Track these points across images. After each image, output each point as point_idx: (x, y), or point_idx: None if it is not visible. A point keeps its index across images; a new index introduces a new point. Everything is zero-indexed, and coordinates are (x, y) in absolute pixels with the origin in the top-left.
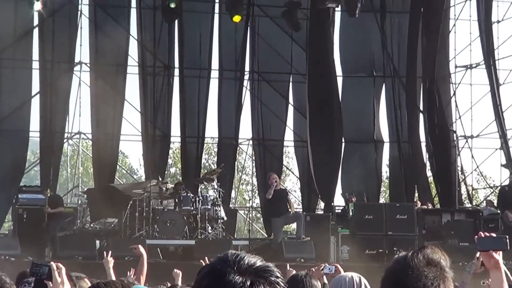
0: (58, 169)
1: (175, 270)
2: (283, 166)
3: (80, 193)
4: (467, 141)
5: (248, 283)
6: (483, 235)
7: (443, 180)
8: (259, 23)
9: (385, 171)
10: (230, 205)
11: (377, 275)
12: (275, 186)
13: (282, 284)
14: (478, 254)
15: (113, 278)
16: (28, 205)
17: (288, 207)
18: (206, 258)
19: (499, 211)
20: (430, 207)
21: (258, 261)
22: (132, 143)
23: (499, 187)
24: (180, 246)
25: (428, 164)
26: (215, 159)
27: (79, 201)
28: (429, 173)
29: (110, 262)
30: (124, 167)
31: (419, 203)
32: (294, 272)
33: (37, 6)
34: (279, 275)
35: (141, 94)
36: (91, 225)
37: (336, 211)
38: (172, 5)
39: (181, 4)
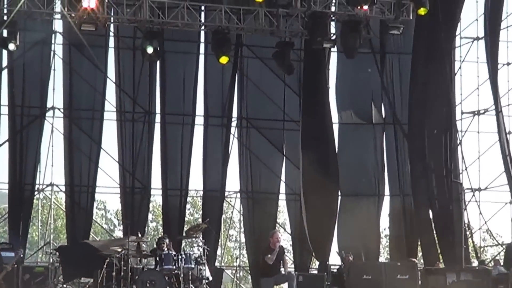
0: (28, 224)
1: None
2: (276, 222)
3: (51, 250)
4: (474, 195)
5: None
6: None
7: (448, 237)
8: (248, 65)
9: (384, 227)
10: (216, 264)
11: None
12: (278, 248)
13: None
14: None
15: None
16: None
17: (281, 265)
18: None
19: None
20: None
21: None
22: (109, 195)
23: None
24: None
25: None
26: (200, 213)
27: (51, 259)
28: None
29: None
30: (101, 221)
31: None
32: None
33: (12, 46)
34: None
35: (119, 142)
36: (64, 285)
37: (331, 270)
38: (149, 50)
39: (163, 44)
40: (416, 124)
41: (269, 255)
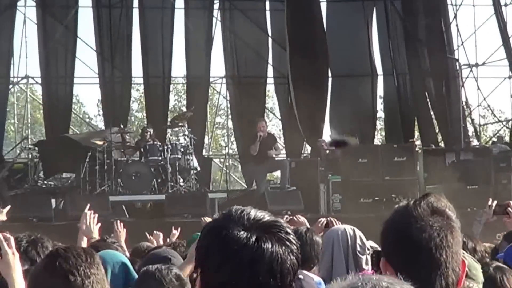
0: (4, 120)
1: (155, 232)
2: (265, 107)
3: (30, 146)
4: (471, 70)
5: (253, 238)
6: None
7: (446, 116)
8: None
9: (379, 108)
10: (204, 153)
11: (374, 226)
12: (260, 137)
13: (294, 242)
14: (490, 202)
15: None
16: None
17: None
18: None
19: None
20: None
21: (266, 216)
22: (88, 86)
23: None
24: (149, 202)
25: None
26: (185, 101)
27: (30, 155)
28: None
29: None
30: (80, 114)
31: (417, 143)
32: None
33: None
34: (289, 231)
35: (96, 30)
36: (45, 181)
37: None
38: None
39: None
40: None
41: (252, 146)
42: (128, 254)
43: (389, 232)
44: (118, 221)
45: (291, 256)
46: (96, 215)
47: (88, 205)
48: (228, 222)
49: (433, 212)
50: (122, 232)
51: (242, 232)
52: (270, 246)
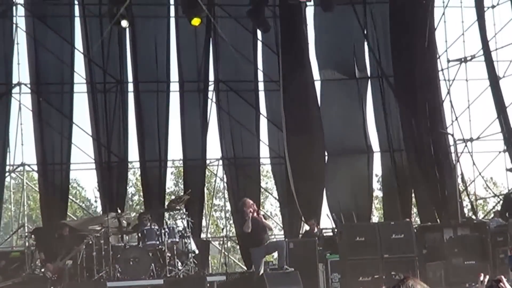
0: (1, 208)
1: None
2: (260, 187)
3: (27, 233)
4: (466, 145)
5: None
6: None
7: (442, 192)
8: (222, 26)
9: (376, 187)
10: (202, 236)
11: None
12: (251, 216)
13: None
14: (482, 277)
15: None
16: None
17: (269, 233)
18: None
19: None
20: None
21: None
22: (84, 172)
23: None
24: (147, 287)
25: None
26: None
27: (27, 243)
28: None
29: None
30: (78, 199)
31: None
32: None
33: None
34: None
35: (92, 115)
36: (42, 269)
37: (324, 234)
38: (124, 24)
39: (132, 9)
40: (402, 76)
41: (244, 224)
42: None
43: None
44: None
45: None
46: None
47: None
48: None
49: None
50: None
51: None
52: None
